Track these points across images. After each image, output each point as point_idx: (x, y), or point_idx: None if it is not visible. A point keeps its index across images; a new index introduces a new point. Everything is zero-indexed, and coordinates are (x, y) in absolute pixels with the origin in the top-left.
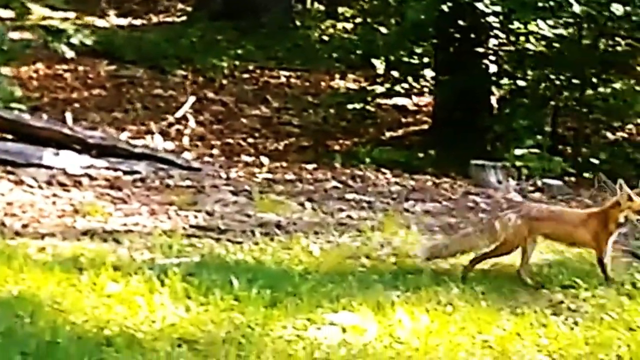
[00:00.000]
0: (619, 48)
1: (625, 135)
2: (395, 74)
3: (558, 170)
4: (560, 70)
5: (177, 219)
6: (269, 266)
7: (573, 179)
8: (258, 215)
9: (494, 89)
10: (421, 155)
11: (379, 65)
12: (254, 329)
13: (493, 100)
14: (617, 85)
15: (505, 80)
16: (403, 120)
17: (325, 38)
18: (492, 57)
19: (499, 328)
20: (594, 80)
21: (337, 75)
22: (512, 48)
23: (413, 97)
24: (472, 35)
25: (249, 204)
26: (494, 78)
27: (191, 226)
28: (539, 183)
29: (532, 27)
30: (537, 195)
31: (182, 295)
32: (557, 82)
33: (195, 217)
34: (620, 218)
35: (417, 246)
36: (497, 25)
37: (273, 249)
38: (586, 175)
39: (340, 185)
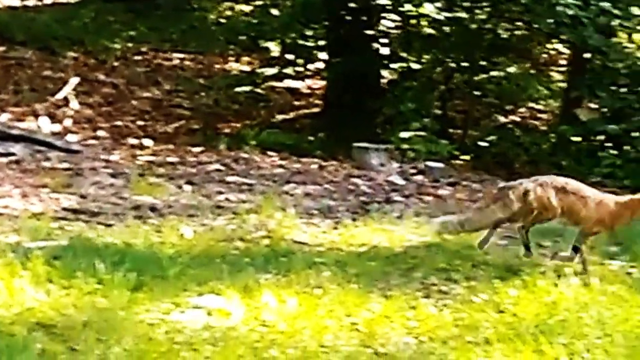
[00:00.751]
0: (517, 32)
1: (518, 119)
2: (290, 56)
3: (444, 153)
4: (450, 54)
5: (49, 202)
6: (138, 249)
7: (460, 162)
8: (133, 198)
9: (384, 71)
10: (311, 138)
11: (274, 47)
12: (116, 313)
13: (384, 83)
14: (512, 69)
15: (396, 64)
16: (296, 103)
17: (223, 20)
18: (383, 40)
19: (368, 311)
20: (483, 63)
21: (231, 58)
22: (401, 31)
23: (307, 80)
24: (363, 18)
25: (126, 186)
26: (385, 61)
27: (63, 209)
28: (422, 166)
29: (423, 9)
30: (419, 177)
31: (44, 279)
32: (450, 65)
33: (68, 199)
34: None
35: None
36: (389, 7)
37: (144, 231)
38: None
39: (222, 168)
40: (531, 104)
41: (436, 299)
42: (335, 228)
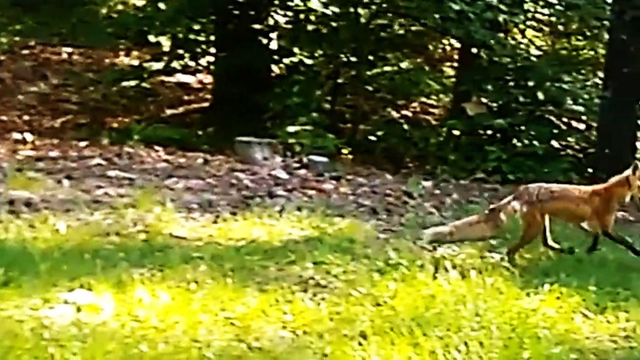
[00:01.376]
0: (413, 28)
1: (410, 114)
2: (180, 51)
3: (332, 147)
4: (338, 49)
5: None
6: (9, 245)
7: (350, 156)
8: (8, 193)
9: (273, 66)
10: (200, 132)
11: (165, 42)
12: None
13: (272, 78)
14: (404, 65)
15: (284, 59)
16: (185, 97)
17: (114, 15)
18: (273, 34)
19: (243, 305)
20: (371, 58)
21: (121, 52)
22: (290, 26)
23: (198, 74)
24: (251, 12)
25: (2, 181)
26: (275, 56)
27: None
28: (305, 160)
29: (310, 4)
30: (303, 172)
31: None
32: (338, 60)
33: None
34: (627, 197)
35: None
36: (277, 1)
37: (17, 227)
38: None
39: (104, 163)
40: (424, 99)
41: (314, 292)
42: (215, 222)
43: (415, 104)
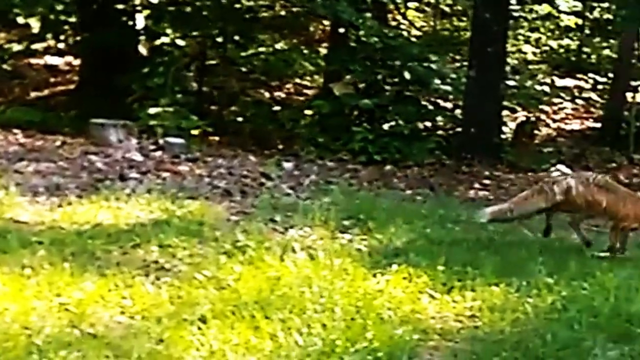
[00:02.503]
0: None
1: (284, 95)
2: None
3: (195, 128)
4: (203, 29)
5: None
6: None
7: (217, 138)
8: None
9: (140, 47)
10: (62, 115)
11: (34, 23)
12: None
13: (138, 59)
14: (279, 46)
15: (150, 40)
16: (52, 80)
17: None
18: (139, 15)
19: (80, 290)
20: (237, 38)
21: None
22: (155, 5)
23: (67, 56)
24: None
25: None
26: (141, 37)
27: None
28: (161, 141)
29: None
30: (158, 154)
31: None
32: (205, 41)
33: None
34: None
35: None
36: None
37: None
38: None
39: None
40: (298, 80)
41: (156, 276)
42: (60, 206)
43: (289, 85)
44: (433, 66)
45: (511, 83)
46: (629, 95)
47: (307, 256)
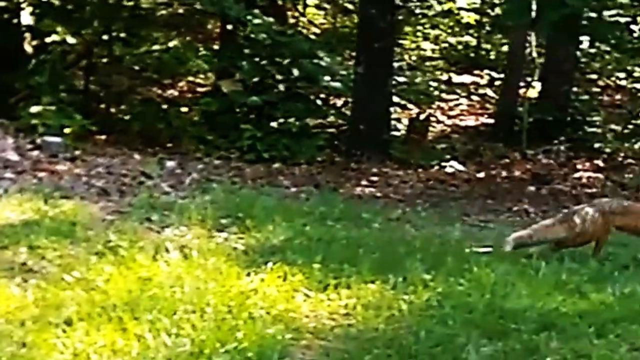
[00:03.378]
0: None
1: (176, 93)
2: None
3: (78, 127)
4: (88, 27)
5: None
6: None
7: (104, 136)
8: None
9: (25, 45)
10: None
11: None
12: None
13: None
14: (172, 44)
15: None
16: None
17: None
18: (24, 12)
19: None
20: (124, 36)
21: None
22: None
23: None
24: None
25: None
26: (26, 34)
27: None
28: (39, 141)
29: None
30: (35, 153)
31: None
32: (94, 38)
33: None
34: None
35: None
36: None
37: None
38: None
39: None
40: (191, 78)
41: (23, 278)
42: None
43: (182, 83)
44: (322, 63)
45: (402, 79)
46: (522, 91)
47: (181, 256)
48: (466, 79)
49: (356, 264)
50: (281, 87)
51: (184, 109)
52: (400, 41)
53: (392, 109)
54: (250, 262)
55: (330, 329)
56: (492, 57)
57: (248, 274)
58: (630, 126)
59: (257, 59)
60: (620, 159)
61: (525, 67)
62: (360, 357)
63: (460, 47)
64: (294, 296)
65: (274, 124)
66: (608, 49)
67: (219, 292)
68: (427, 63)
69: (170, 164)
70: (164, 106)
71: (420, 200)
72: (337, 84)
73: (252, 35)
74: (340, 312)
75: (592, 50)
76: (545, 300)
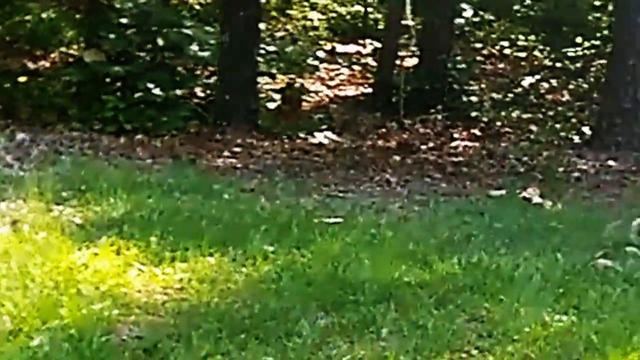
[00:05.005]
0: None
1: (48, 65)
2: None
3: None
4: None
5: None
6: None
7: None
8: None
9: None
10: None
11: None
12: None
13: None
14: (45, 14)
15: None
16: None
17: None
18: None
19: None
20: None
21: None
22: None
23: None
24: None
25: None
26: None
27: None
28: None
29: None
30: None
31: None
32: None
33: None
34: None
35: None
36: None
37: None
38: None
39: None
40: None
41: None
42: None
43: (54, 55)
44: (189, 32)
45: (272, 49)
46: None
47: (11, 230)
48: (351, 48)
49: (196, 236)
50: (146, 57)
51: (47, 80)
52: (287, 11)
53: (262, 79)
54: (86, 236)
55: (162, 303)
56: (382, 26)
57: (80, 249)
58: (511, 95)
59: (122, 29)
60: (497, 127)
61: (403, 36)
62: (188, 332)
63: (348, 17)
64: (127, 271)
65: (137, 95)
66: (492, 17)
67: (47, 268)
68: (312, 33)
69: (20, 136)
70: (23, 78)
71: (280, 171)
72: (205, 54)
73: (117, 5)
74: (174, 287)
75: (476, 19)
76: (388, 271)
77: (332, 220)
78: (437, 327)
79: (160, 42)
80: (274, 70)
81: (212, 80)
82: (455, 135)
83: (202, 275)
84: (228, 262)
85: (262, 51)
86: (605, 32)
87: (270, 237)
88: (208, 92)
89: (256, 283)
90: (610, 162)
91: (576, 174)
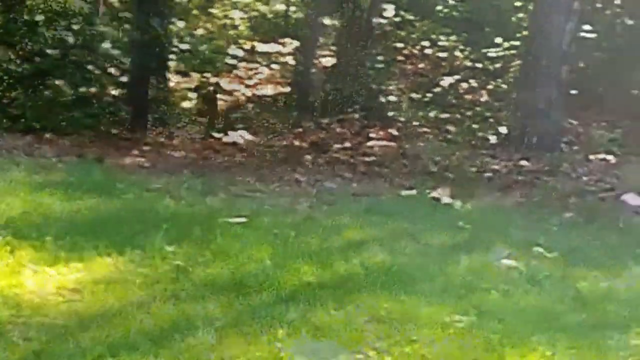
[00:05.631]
0: None
1: None
2: None
3: None
4: None
5: None
6: None
7: None
8: None
9: None
10: None
11: None
12: None
13: None
14: None
15: None
16: None
17: None
18: None
19: None
20: None
21: None
22: None
23: None
24: None
25: None
26: None
27: None
28: None
29: None
30: None
31: None
32: None
33: None
34: None
35: None
36: None
37: None
38: None
39: None
40: None
41: None
42: None
43: None
44: (101, 29)
45: (185, 47)
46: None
47: None
48: (271, 47)
49: (94, 236)
50: (56, 54)
51: None
52: (210, 9)
53: (175, 78)
54: None
55: (55, 305)
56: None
57: None
58: (430, 95)
59: (32, 26)
60: (414, 127)
61: (322, 35)
62: (79, 334)
63: (270, 15)
64: (20, 271)
65: (47, 93)
66: (414, 17)
67: None
68: (232, 31)
69: None
70: None
71: (188, 170)
72: (116, 51)
73: (28, 1)
74: (69, 287)
75: (398, 19)
76: (289, 272)
77: (236, 220)
78: (335, 328)
79: (70, 39)
80: (188, 69)
81: (124, 78)
82: (372, 135)
83: (98, 275)
84: (126, 262)
85: (174, 49)
86: (525, 32)
87: (170, 237)
88: (119, 90)
89: (153, 284)
90: (523, 163)
91: (488, 174)
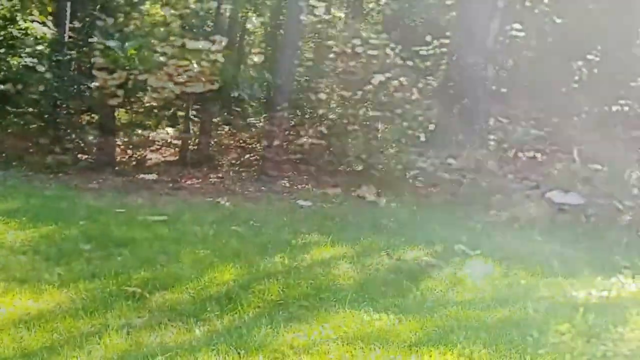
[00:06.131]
0: None
1: None
2: None
3: None
4: None
5: None
6: None
7: None
8: None
9: None
10: None
11: None
12: None
13: None
14: None
15: None
16: None
17: None
18: None
19: None
20: None
21: None
22: None
23: None
24: None
25: None
26: None
27: None
28: None
29: None
30: None
31: None
32: None
33: None
34: None
35: None
36: None
37: None
38: None
39: None
40: None
41: None
42: None
43: None
44: (26, 25)
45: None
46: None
47: None
48: (202, 45)
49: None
50: None
51: None
52: (140, 6)
53: (100, 74)
54: None
55: None
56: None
57: None
58: (360, 92)
59: None
60: (344, 125)
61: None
62: None
63: (202, 13)
64: None
65: None
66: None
67: None
68: (162, 28)
69: None
70: None
71: (111, 167)
72: (40, 47)
73: None
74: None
75: (329, 17)
76: (207, 270)
77: (156, 218)
78: (252, 326)
79: None
80: (113, 66)
81: (49, 75)
82: (301, 133)
83: (11, 275)
84: (40, 261)
85: (100, 46)
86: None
87: (87, 236)
88: (43, 87)
89: (68, 283)
90: (450, 160)
91: (415, 172)
